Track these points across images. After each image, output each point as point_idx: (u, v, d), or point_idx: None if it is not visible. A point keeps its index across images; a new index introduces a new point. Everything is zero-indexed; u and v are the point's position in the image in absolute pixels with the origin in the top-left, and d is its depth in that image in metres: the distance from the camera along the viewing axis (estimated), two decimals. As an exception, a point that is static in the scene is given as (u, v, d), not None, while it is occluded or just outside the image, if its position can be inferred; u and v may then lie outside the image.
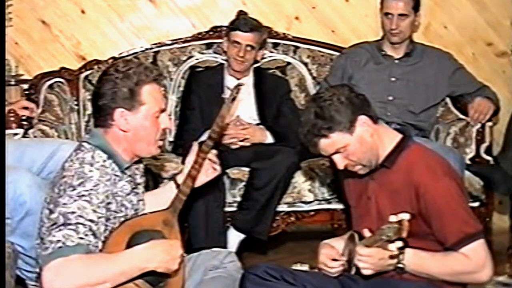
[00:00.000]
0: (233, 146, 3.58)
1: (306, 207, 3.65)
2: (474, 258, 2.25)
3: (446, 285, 2.33)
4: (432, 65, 3.85)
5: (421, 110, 3.81)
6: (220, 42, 3.99)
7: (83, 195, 2.13)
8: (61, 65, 4.04)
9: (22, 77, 3.96)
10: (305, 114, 2.35)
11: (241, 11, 4.11)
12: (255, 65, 3.90)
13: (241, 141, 3.63)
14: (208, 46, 4.15)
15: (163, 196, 2.50)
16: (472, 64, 4.18)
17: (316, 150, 2.36)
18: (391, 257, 2.18)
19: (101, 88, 2.25)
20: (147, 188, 2.60)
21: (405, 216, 2.05)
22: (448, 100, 3.92)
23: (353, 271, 2.33)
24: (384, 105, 3.76)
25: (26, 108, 3.55)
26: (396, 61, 3.85)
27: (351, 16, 4.32)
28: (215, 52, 4.13)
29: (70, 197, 2.12)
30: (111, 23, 4.22)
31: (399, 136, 2.40)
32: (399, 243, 2.07)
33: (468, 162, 3.69)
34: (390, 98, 3.80)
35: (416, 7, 3.79)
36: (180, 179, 2.52)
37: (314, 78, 4.14)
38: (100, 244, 2.14)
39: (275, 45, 4.17)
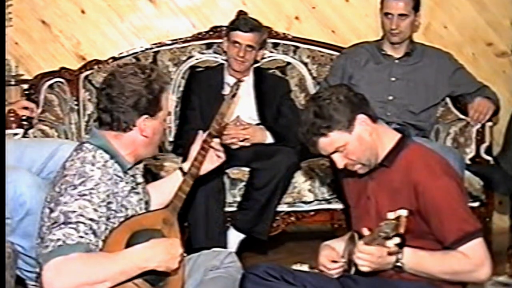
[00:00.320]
0: (233, 146, 3.58)
1: (306, 207, 3.65)
2: (473, 256, 2.25)
3: (446, 285, 2.33)
4: (432, 65, 3.85)
5: (421, 110, 3.81)
6: (220, 42, 3.99)
7: (84, 194, 2.13)
8: (61, 65, 4.04)
9: (22, 77, 3.96)
10: (304, 114, 2.36)
11: (241, 11, 4.11)
12: (255, 65, 3.90)
13: (241, 141, 3.63)
14: (208, 46, 4.15)
15: (169, 185, 2.54)
16: (472, 64, 4.18)
17: (315, 149, 2.36)
18: (389, 253, 2.19)
19: (124, 93, 2.24)
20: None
21: (403, 212, 2.06)
22: (448, 100, 3.92)
23: (353, 271, 2.33)
24: (384, 105, 3.76)
25: (26, 108, 3.55)
26: (396, 61, 3.85)
27: (351, 16, 4.33)
28: (215, 52, 4.13)
29: (71, 196, 2.13)
30: (111, 23, 4.22)
31: (398, 136, 2.41)
32: (397, 239, 2.07)
33: (468, 162, 3.69)
34: (390, 98, 3.80)
35: (416, 7, 3.79)
36: (186, 166, 2.56)
37: (314, 78, 4.14)
38: (100, 243, 2.14)
39: (275, 45, 4.17)
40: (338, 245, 2.48)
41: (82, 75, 4.01)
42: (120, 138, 2.28)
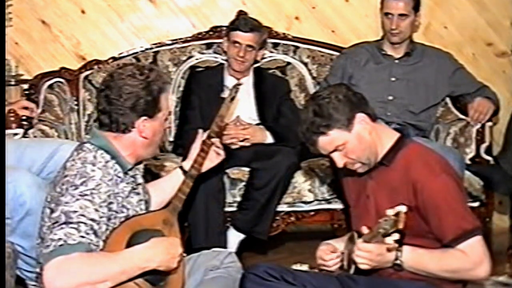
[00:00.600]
0: (233, 146, 3.57)
1: (306, 207, 3.65)
2: (472, 254, 2.25)
3: (445, 284, 2.33)
4: (432, 65, 3.85)
5: (421, 110, 3.82)
6: (220, 42, 3.99)
7: (85, 194, 2.14)
8: (61, 65, 4.04)
9: (22, 77, 3.96)
10: (304, 113, 2.37)
11: (241, 11, 4.11)
12: (255, 65, 3.90)
13: (241, 141, 3.63)
14: (208, 46, 4.15)
15: (169, 183, 2.55)
16: (472, 64, 4.18)
17: (315, 148, 2.37)
18: (388, 250, 2.19)
19: (122, 95, 2.24)
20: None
21: (402, 209, 2.06)
22: (448, 100, 3.93)
23: (352, 270, 2.33)
24: (384, 105, 3.76)
25: (26, 108, 3.55)
26: (396, 61, 3.85)
27: (351, 16, 4.33)
28: (215, 52, 4.13)
29: (72, 196, 2.13)
30: (111, 23, 4.22)
31: (397, 135, 2.41)
32: (396, 236, 2.07)
33: (468, 162, 3.69)
34: (390, 98, 3.80)
35: (416, 7, 3.79)
36: (186, 165, 2.57)
37: (314, 78, 4.14)
38: (101, 244, 2.14)
39: (275, 45, 4.17)
40: (338, 245, 2.48)
41: (82, 75, 4.01)
42: (120, 139, 2.28)
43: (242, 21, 3.81)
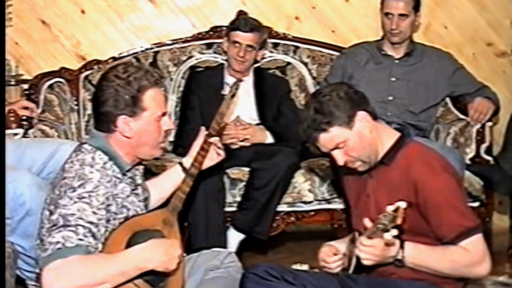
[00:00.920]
0: (233, 146, 3.58)
1: (306, 207, 3.65)
2: (473, 251, 2.26)
3: (446, 284, 2.33)
4: (432, 65, 3.85)
5: (421, 110, 3.82)
6: (220, 42, 3.99)
7: (83, 197, 2.13)
8: (61, 65, 4.04)
9: (22, 77, 3.96)
10: (305, 111, 2.37)
11: (241, 11, 4.11)
12: (255, 65, 3.90)
13: (241, 141, 3.63)
14: (208, 46, 4.15)
15: (169, 180, 2.55)
16: (472, 64, 4.18)
17: (316, 146, 2.37)
18: (387, 245, 2.19)
19: (102, 96, 2.24)
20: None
21: (402, 204, 2.07)
22: (448, 100, 3.93)
23: (351, 270, 2.33)
24: (384, 105, 3.76)
25: (26, 108, 3.55)
26: (396, 61, 3.85)
27: (351, 16, 4.33)
28: (215, 52, 4.13)
29: (70, 199, 2.12)
30: (111, 23, 4.22)
31: (397, 134, 2.42)
32: (394, 231, 2.08)
33: (468, 162, 3.69)
34: (390, 98, 3.80)
35: (416, 7, 3.79)
36: (185, 162, 2.56)
37: (314, 78, 4.14)
38: (100, 246, 2.14)
39: (275, 45, 4.17)
40: (339, 246, 2.48)
41: (82, 75, 4.01)
42: (110, 139, 2.27)
43: (242, 21, 3.81)
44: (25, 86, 3.88)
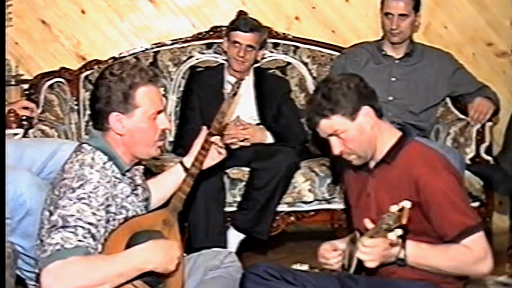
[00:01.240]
0: (233, 146, 3.57)
1: (306, 207, 3.65)
2: (475, 249, 2.26)
3: (447, 284, 2.33)
4: (432, 65, 3.85)
5: (421, 110, 3.81)
6: (220, 42, 3.99)
7: (82, 198, 2.13)
8: (61, 65, 4.04)
9: (22, 77, 3.97)
10: (314, 94, 2.40)
11: (241, 11, 4.11)
12: (255, 65, 3.90)
13: (241, 141, 3.63)
14: (208, 46, 4.15)
15: (170, 179, 2.55)
16: (472, 64, 4.18)
17: (316, 130, 2.38)
18: (391, 245, 2.19)
19: (97, 92, 2.25)
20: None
21: (407, 204, 2.07)
22: (448, 100, 3.93)
23: (352, 270, 2.33)
24: (384, 105, 3.71)
25: (26, 108, 3.55)
26: (396, 61, 3.85)
27: (351, 16, 4.32)
28: (215, 52, 4.13)
29: (70, 200, 2.12)
30: (111, 23, 4.22)
31: (399, 133, 2.42)
32: (399, 231, 2.08)
33: (468, 162, 3.69)
34: (390, 98, 3.79)
35: (416, 7, 3.79)
36: (186, 161, 2.56)
37: (314, 78, 4.14)
38: (99, 247, 2.14)
39: (275, 45, 4.17)
40: (340, 245, 2.48)
41: (82, 75, 4.02)
42: (107, 137, 2.27)
43: (242, 21, 3.81)
44: (25, 86, 3.89)
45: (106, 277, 2.07)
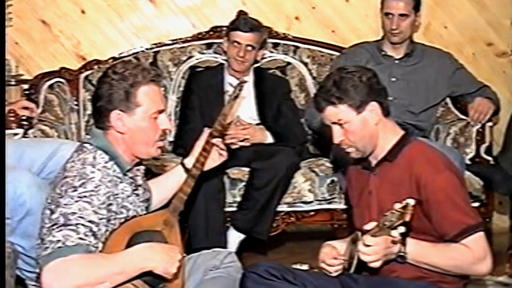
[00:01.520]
0: (233, 146, 3.57)
1: (306, 207, 3.65)
2: (475, 249, 2.26)
3: (446, 284, 2.33)
4: (433, 65, 3.85)
5: (421, 110, 3.81)
6: (220, 42, 3.99)
7: (84, 196, 2.13)
8: (61, 65, 4.04)
9: (22, 77, 3.97)
10: (325, 80, 2.41)
11: (241, 11, 4.11)
12: (255, 65, 3.90)
13: (241, 141, 3.63)
14: (208, 46, 4.15)
15: (171, 180, 2.55)
16: (472, 64, 4.18)
17: (320, 115, 2.39)
18: (393, 242, 2.19)
19: (99, 90, 2.26)
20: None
21: (410, 201, 2.07)
22: (448, 100, 3.93)
23: (352, 270, 2.33)
24: (384, 105, 3.75)
25: (26, 108, 3.55)
26: (397, 61, 3.85)
27: (351, 16, 4.33)
28: (215, 52, 4.13)
29: (71, 198, 2.12)
30: (111, 23, 4.22)
31: (402, 132, 2.43)
32: (402, 228, 2.08)
33: (468, 162, 3.69)
34: (390, 98, 3.73)
35: (416, 7, 3.79)
36: (187, 162, 2.56)
37: (314, 78, 4.14)
38: (100, 245, 2.14)
39: (275, 45, 4.17)
40: (340, 246, 2.48)
41: (82, 75, 4.02)
42: (108, 136, 2.28)
43: (242, 21, 3.81)
44: (25, 86, 3.88)
45: (106, 275, 2.08)
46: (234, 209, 3.53)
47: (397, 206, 2.08)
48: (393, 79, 3.81)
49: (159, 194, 2.52)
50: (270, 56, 4.14)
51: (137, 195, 2.34)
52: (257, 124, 3.74)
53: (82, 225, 2.09)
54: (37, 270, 2.19)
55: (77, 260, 2.05)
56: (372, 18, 4.14)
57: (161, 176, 2.67)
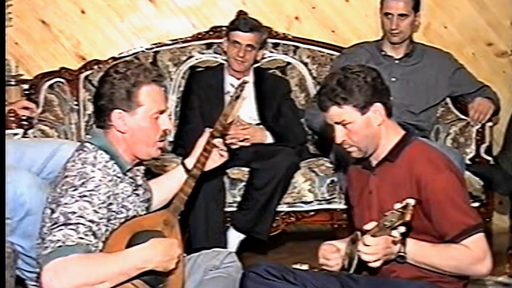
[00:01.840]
0: (233, 146, 3.57)
1: (306, 207, 3.65)
2: (475, 249, 2.26)
3: (446, 284, 2.33)
4: (433, 65, 3.85)
5: (421, 110, 3.82)
6: (220, 42, 3.99)
7: (84, 196, 2.13)
8: (61, 65, 4.04)
9: (22, 77, 3.96)
10: (329, 78, 2.39)
11: (241, 11, 4.11)
12: (255, 65, 3.90)
13: (241, 141, 3.63)
14: (208, 46, 4.15)
15: (171, 181, 2.55)
16: (472, 64, 4.18)
17: (322, 113, 2.39)
18: (394, 242, 2.19)
19: (100, 89, 2.27)
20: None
21: (411, 201, 2.07)
22: (448, 100, 3.93)
23: (352, 270, 2.34)
24: (384, 105, 3.75)
25: (26, 108, 3.55)
26: (396, 61, 3.85)
27: (351, 16, 4.33)
28: (215, 52, 4.13)
29: (72, 197, 2.13)
30: (111, 23, 4.22)
31: (403, 132, 2.43)
32: (402, 228, 2.08)
33: (468, 162, 3.69)
34: (390, 98, 3.78)
35: (416, 7, 3.79)
36: (188, 162, 2.56)
37: (314, 78, 4.14)
38: (100, 245, 2.14)
39: (275, 45, 4.17)
40: (340, 245, 2.48)
41: (82, 75, 4.02)
42: (108, 135, 2.28)
43: (242, 21, 3.81)
44: (25, 86, 3.89)
45: (106, 275, 2.08)
46: (234, 209, 3.53)
47: (397, 206, 2.09)
48: (393, 79, 3.81)
49: (160, 194, 2.52)
50: (270, 56, 4.14)
51: (137, 195, 2.34)
52: (257, 124, 3.74)
53: (82, 224, 2.09)
54: (37, 270, 2.19)
55: (77, 259, 2.05)
56: (372, 18, 4.14)
57: (161, 176, 2.67)
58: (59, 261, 2.04)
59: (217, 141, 2.59)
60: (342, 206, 3.60)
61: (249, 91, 3.79)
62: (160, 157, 3.48)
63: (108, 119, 2.26)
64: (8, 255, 2.54)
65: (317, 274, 2.43)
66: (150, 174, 3.29)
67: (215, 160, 2.61)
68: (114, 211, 2.21)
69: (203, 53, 4.14)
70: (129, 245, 2.18)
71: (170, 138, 3.89)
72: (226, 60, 3.90)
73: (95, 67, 4.02)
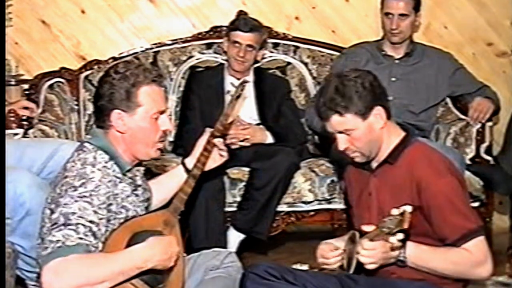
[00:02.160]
0: (233, 146, 3.57)
1: (306, 207, 3.65)
2: (476, 253, 2.26)
3: (446, 285, 2.33)
4: (433, 65, 3.85)
5: (421, 110, 3.81)
6: (220, 42, 3.99)
7: (84, 196, 2.13)
8: (61, 65, 4.04)
9: (22, 77, 3.96)
10: (326, 86, 2.36)
11: (241, 11, 4.11)
12: (255, 65, 3.90)
13: (241, 141, 3.63)
14: (208, 46, 4.15)
15: (171, 180, 2.55)
16: (472, 64, 4.18)
17: (324, 123, 2.37)
18: (392, 249, 2.19)
19: (100, 89, 2.27)
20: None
21: (408, 208, 2.06)
22: (448, 100, 3.93)
23: (352, 270, 2.33)
24: (384, 105, 3.75)
25: (26, 108, 3.55)
26: (397, 61, 3.85)
27: (351, 16, 4.33)
28: (215, 52, 4.13)
29: (71, 198, 2.13)
30: (111, 23, 4.22)
31: (403, 133, 2.42)
32: (400, 235, 2.08)
33: (468, 162, 3.69)
34: (390, 98, 3.73)
35: (416, 7, 3.79)
36: (188, 162, 2.56)
37: (314, 78, 4.14)
38: (100, 245, 2.14)
39: (275, 45, 4.17)
40: (338, 244, 2.48)
41: (82, 75, 4.02)
42: (108, 135, 2.28)
43: (242, 21, 3.81)
44: (25, 86, 3.88)
45: (106, 275, 2.08)
46: (234, 209, 3.53)
47: (395, 212, 2.08)
48: (393, 79, 3.81)
49: (160, 194, 2.52)
50: (270, 56, 4.14)
51: (137, 195, 2.34)
52: (257, 124, 3.74)
53: (82, 225, 2.09)
54: (37, 270, 2.19)
55: (77, 259, 2.05)
56: (372, 18, 4.14)
57: (161, 176, 2.67)
58: (59, 261, 2.04)
59: (218, 141, 2.58)
60: (342, 206, 3.60)
61: (249, 91, 3.79)
62: (160, 157, 3.48)
63: (107, 119, 2.26)
64: (8, 255, 2.54)
65: (317, 274, 2.42)
66: (150, 174, 3.30)
67: (215, 159, 2.61)
68: (113, 212, 2.21)
69: (203, 53, 4.14)
70: (129, 245, 2.18)
71: (170, 138, 3.90)
72: (226, 60, 3.90)
73: (95, 67, 4.02)
